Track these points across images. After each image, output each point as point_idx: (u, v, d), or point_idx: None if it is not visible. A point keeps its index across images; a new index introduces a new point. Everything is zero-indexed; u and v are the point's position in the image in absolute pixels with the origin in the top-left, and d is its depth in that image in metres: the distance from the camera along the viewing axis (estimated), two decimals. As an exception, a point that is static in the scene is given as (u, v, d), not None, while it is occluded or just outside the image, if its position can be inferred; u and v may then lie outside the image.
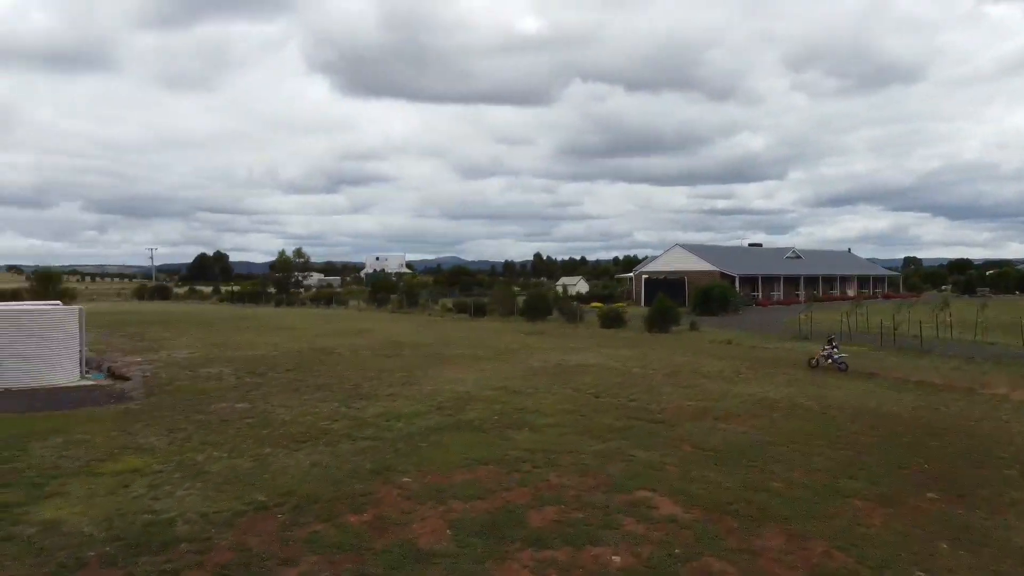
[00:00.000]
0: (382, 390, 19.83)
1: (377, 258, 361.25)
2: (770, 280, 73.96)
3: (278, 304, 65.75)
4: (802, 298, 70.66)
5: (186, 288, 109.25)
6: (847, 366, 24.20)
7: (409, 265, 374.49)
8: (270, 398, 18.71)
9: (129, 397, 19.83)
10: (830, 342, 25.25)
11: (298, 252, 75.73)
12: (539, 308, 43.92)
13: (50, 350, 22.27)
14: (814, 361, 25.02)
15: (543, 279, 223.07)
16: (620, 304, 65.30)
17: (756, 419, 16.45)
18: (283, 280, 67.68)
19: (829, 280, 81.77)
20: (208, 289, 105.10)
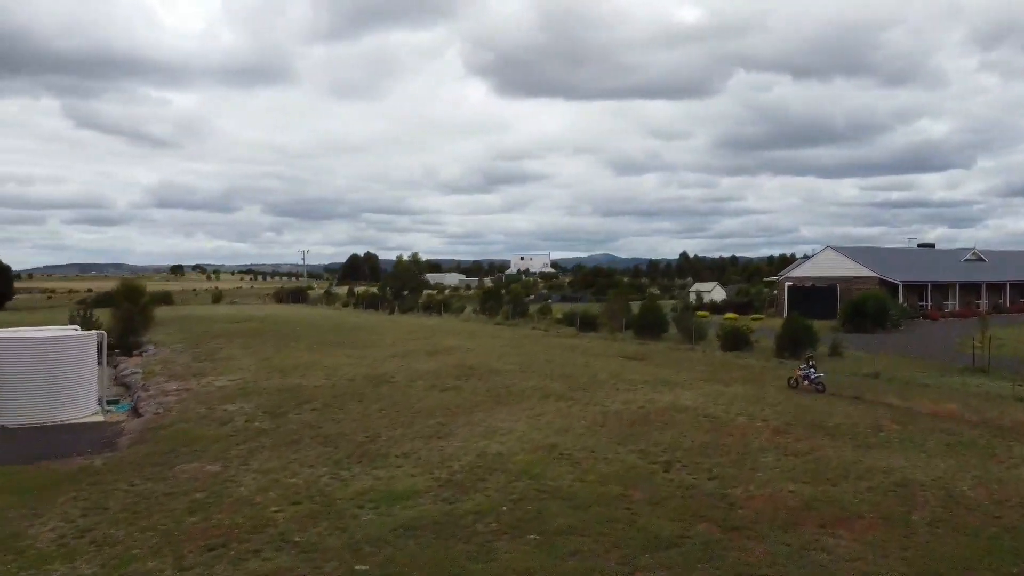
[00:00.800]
0: (398, 447, 15.97)
1: (522, 258, 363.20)
2: (942, 288, 63.88)
3: (391, 312, 63.98)
4: (984, 309, 60.31)
5: (326, 291, 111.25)
6: (824, 387, 23.01)
7: (555, 264, 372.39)
8: (255, 455, 15.36)
9: (114, 445, 17.14)
10: (807, 361, 24.63)
11: (415, 258, 73.82)
12: (651, 324, 38.60)
13: (61, 382, 20.11)
14: (793, 381, 23.86)
15: (688, 280, 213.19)
16: (756, 317, 58.25)
17: (886, 527, 11.04)
18: (400, 287, 65.80)
19: (1020, 287, 69.85)
20: (345, 291, 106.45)
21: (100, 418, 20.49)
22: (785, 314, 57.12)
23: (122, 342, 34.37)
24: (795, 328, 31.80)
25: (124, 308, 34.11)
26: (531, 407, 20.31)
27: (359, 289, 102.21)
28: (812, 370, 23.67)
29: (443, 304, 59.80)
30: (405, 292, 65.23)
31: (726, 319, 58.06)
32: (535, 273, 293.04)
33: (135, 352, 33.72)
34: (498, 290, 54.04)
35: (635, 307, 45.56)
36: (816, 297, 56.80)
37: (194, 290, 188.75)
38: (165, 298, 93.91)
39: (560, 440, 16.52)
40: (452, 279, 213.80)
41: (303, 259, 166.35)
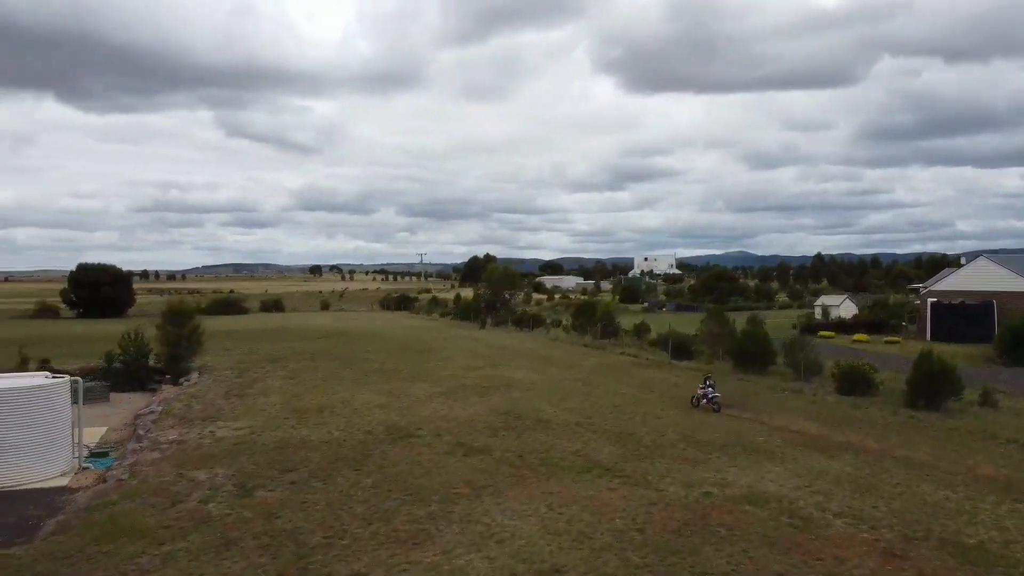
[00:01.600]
0: (350, 562, 12.11)
1: (646, 258, 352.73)
2: None
3: (482, 325, 60.42)
4: None
5: (432, 297, 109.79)
6: (720, 406, 24.00)
7: (683, 265, 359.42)
8: (169, 565, 11.86)
9: (36, 529, 14.16)
10: (705, 380, 25.44)
11: (507, 268, 69.76)
12: (753, 354, 32.79)
13: (17, 440, 17.48)
14: (695, 400, 24.93)
15: (823, 283, 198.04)
16: (891, 339, 50.50)
17: None
18: (492, 298, 62.11)
19: None
20: (454, 296, 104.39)
21: (64, 480, 17.73)
22: (928, 337, 49.13)
23: (170, 367, 32.44)
24: (932, 367, 25.34)
25: (169, 332, 32.11)
26: (561, 489, 15.84)
27: (467, 294, 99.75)
28: (711, 389, 24.71)
29: (533, 319, 55.60)
30: (497, 304, 61.53)
31: (854, 342, 50.62)
32: (659, 275, 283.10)
33: (180, 379, 31.63)
34: (591, 305, 49.19)
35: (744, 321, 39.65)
36: (967, 317, 48.44)
37: (319, 291, 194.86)
38: (276, 304, 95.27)
39: (570, 560, 12.03)
40: (569, 282, 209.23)
41: (421, 260, 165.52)
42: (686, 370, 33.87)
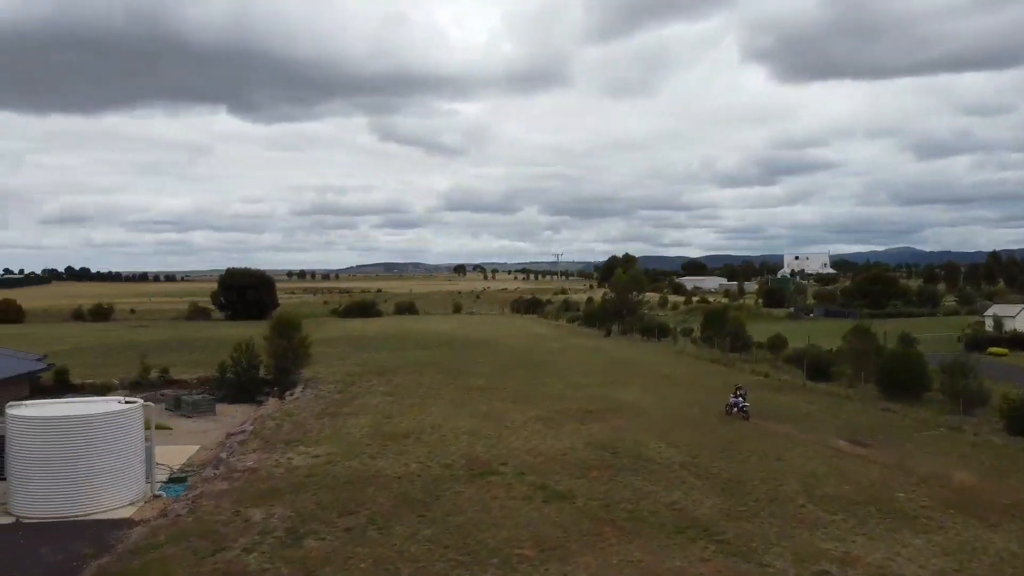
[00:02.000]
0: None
1: (797, 257, 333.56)
2: None
3: (607, 333, 57.69)
4: None
5: (564, 301, 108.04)
6: (748, 415, 24.86)
7: (836, 263, 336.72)
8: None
9: (74, 572, 13.53)
10: (737, 390, 26.00)
11: (634, 272, 66.22)
12: (903, 379, 28.46)
13: (88, 468, 17.14)
14: (728, 409, 25.60)
15: (999, 285, 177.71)
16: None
17: None
18: (617, 304, 59.10)
19: None
20: (586, 299, 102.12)
21: (131, 511, 17.23)
22: None
23: (278, 379, 32.40)
24: None
25: (276, 344, 32.05)
26: (644, 556, 13.49)
27: (598, 297, 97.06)
28: (741, 399, 25.56)
29: (659, 329, 52.31)
30: (624, 311, 58.56)
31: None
32: (811, 275, 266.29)
33: (286, 392, 31.48)
34: (719, 314, 45.45)
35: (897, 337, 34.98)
36: None
37: (458, 292, 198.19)
38: (410, 307, 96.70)
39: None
40: (711, 283, 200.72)
41: (557, 259, 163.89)
42: (822, 395, 30.03)
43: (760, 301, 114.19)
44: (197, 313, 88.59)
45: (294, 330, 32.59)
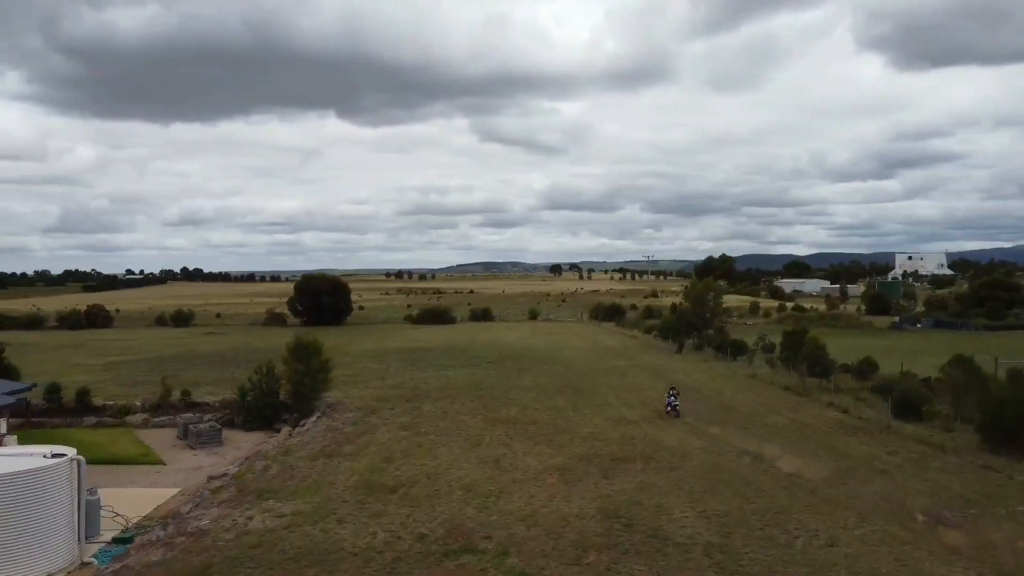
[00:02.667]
0: None
1: (910, 257, 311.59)
2: None
3: (680, 348, 53.03)
4: None
5: (646, 308, 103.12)
6: (678, 413, 28.90)
7: (956, 263, 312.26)
8: None
9: None
10: (670, 391, 30.19)
11: (707, 282, 60.74)
12: (1013, 428, 23.22)
13: (14, 530, 15.01)
14: (668, 410, 29.22)
15: None
16: None
17: None
18: (694, 317, 54.20)
19: None
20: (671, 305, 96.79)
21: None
22: None
23: (295, 406, 30.15)
24: None
25: (294, 368, 29.79)
26: None
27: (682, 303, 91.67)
28: (674, 399, 29.65)
29: (734, 347, 47.29)
30: (699, 324, 53.70)
31: None
32: (924, 276, 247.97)
33: (302, 421, 29.19)
34: (800, 334, 40.23)
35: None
36: None
37: (549, 295, 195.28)
38: (484, 313, 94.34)
39: None
40: (812, 286, 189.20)
41: (648, 259, 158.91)
42: (909, 441, 25.10)
43: (862, 308, 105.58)
44: (273, 319, 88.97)
45: (313, 353, 30.23)
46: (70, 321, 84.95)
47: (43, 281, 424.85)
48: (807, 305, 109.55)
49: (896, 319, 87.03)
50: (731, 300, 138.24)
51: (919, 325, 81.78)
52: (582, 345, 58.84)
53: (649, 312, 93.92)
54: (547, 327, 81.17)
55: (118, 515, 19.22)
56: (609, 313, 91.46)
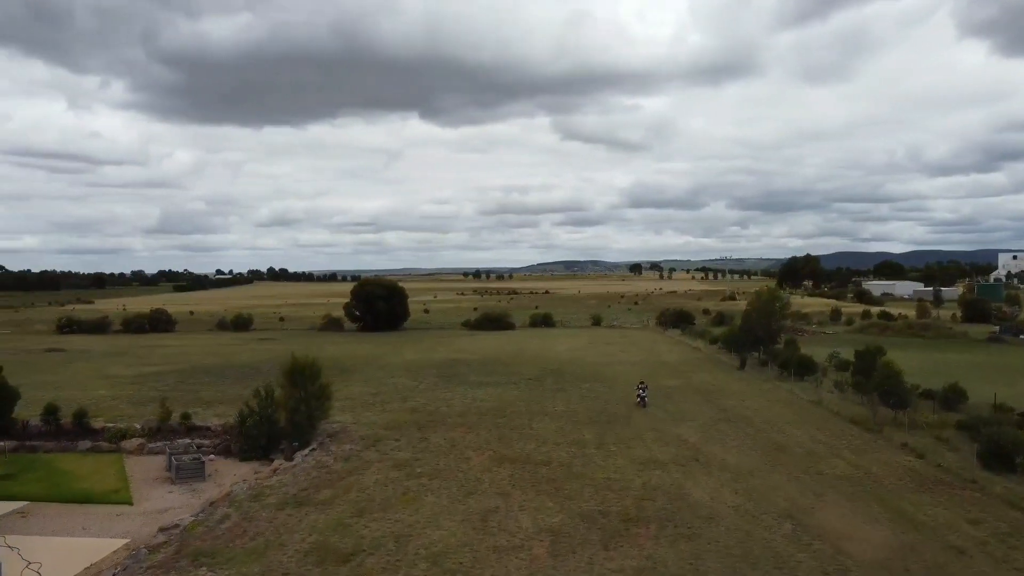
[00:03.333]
0: None
1: (1015, 256, 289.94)
2: None
3: (741, 365, 48.11)
4: None
5: (718, 313, 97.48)
6: (645, 404, 34.03)
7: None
8: None
9: None
10: (640, 384, 35.67)
11: (772, 291, 55.01)
12: None
13: None
14: (638, 401, 34.40)
15: None
16: None
17: None
18: (759, 329, 49.09)
19: None
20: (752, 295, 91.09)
21: None
22: None
23: (293, 434, 27.55)
24: None
25: (290, 393, 27.19)
26: None
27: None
28: (643, 391, 34.78)
29: (801, 365, 42.17)
30: (764, 338, 48.69)
31: None
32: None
33: (298, 451, 26.56)
34: (873, 354, 35.14)
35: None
36: None
37: (622, 297, 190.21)
38: (545, 319, 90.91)
39: None
40: (904, 288, 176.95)
41: (726, 258, 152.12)
42: (999, 505, 20.40)
43: (957, 315, 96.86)
44: (331, 324, 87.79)
45: (310, 377, 27.55)
46: (134, 325, 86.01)
47: (138, 281, 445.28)
48: (895, 311, 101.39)
49: (996, 329, 78.82)
50: (812, 304, 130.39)
51: (1023, 336, 73.61)
52: (636, 359, 54.66)
53: (720, 319, 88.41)
54: (606, 335, 76.95)
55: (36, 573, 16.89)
56: (676, 320, 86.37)
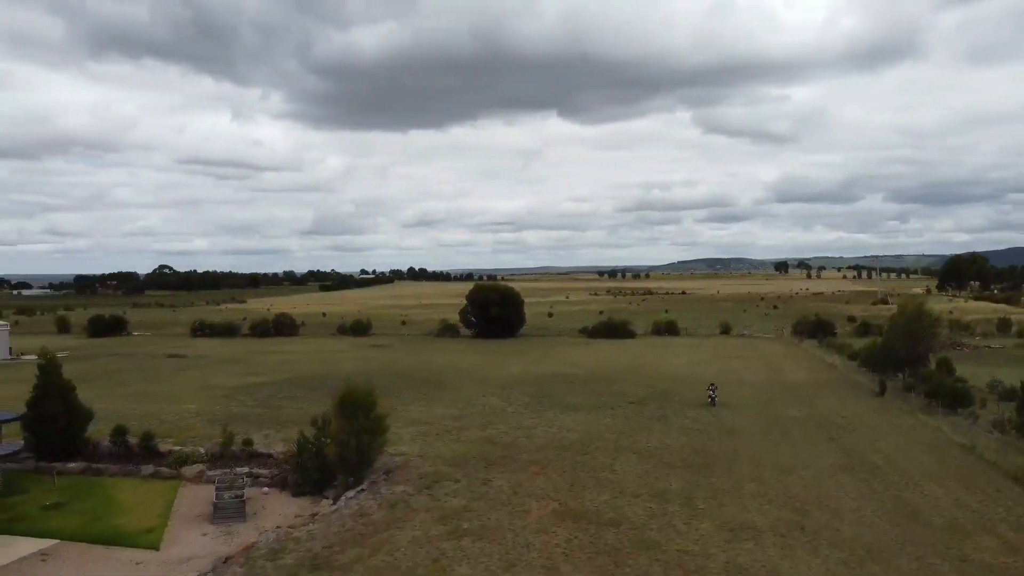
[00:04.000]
0: None
1: None
2: None
3: (880, 391, 41.46)
4: None
5: (863, 324, 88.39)
6: (715, 403, 38.08)
7: None
8: None
9: None
10: (711, 386, 39.89)
11: (920, 305, 46.86)
12: None
13: None
14: (710, 401, 38.47)
15: None
16: None
17: None
18: (903, 350, 42.03)
19: None
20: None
21: None
22: None
23: (346, 470, 25.22)
24: None
25: (342, 425, 24.84)
26: None
27: (936, 306, 76.57)
28: (714, 393, 39.01)
29: (954, 395, 35.33)
30: (910, 360, 41.76)
31: None
32: None
33: (345, 493, 24.23)
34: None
35: None
36: None
37: (763, 299, 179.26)
38: (669, 326, 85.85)
39: None
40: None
41: (876, 258, 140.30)
42: None
43: None
44: (446, 330, 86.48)
45: (362, 409, 25.11)
46: (260, 329, 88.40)
47: (289, 280, 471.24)
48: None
49: None
50: (976, 310, 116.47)
51: None
52: (758, 378, 49.16)
53: (865, 328, 79.69)
54: (732, 347, 70.73)
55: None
56: (814, 329, 78.63)
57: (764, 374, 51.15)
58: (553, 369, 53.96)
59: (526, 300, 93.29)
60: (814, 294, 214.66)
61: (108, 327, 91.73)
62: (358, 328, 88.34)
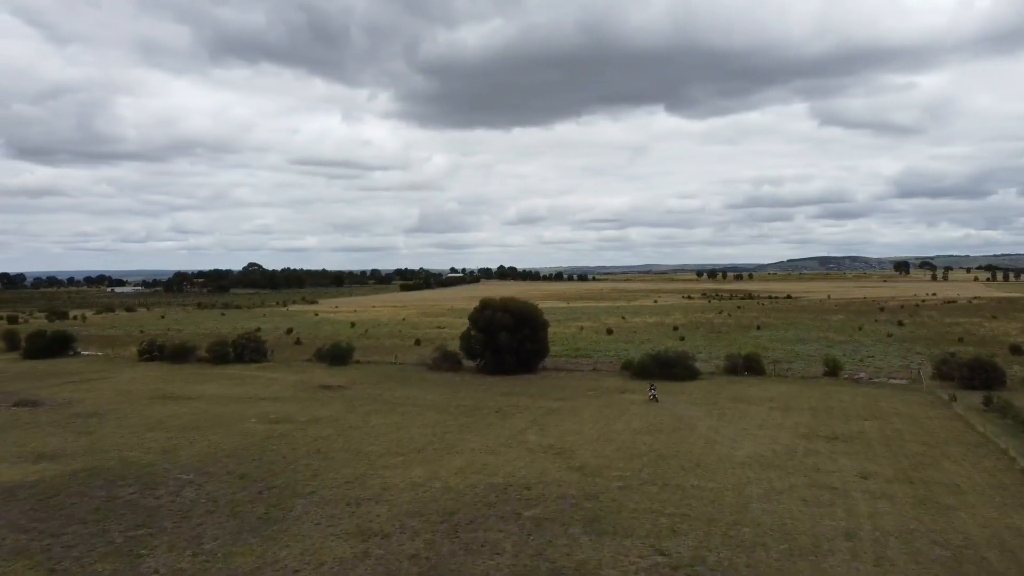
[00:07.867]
0: None
1: None
2: None
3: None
4: None
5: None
6: (656, 400, 45.11)
7: None
8: None
9: None
10: (651, 386, 48.18)
11: None
12: None
13: None
14: (650, 397, 45.86)
15: None
16: None
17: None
18: None
19: None
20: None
21: None
22: None
23: None
24: None
25: None
26: None
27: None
28: (654, 391, 46.87)
29: None
30: None
31: None
32: None
33: None
34: None
35: None
36: None
37: (883, 308, 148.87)
38: (750, 363, 61.90)
39: None
40: None
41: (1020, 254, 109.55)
42: None
43: None
44: (444, 360, 63.73)
45: None
46: (218, 353, 69.65)
47: (374, 279, 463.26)
48: None
49: None
50: None
51: None
52: (889, 512, 25.22)
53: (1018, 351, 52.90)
54: (842, 410, 45.20)
55: None
56: (970, 373, 52.40)
57: (904, 505, 26.80)
58: (512, 471, 31.05)
59: (606, 303, 71.69)
60: (946, 302, 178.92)
61: (48, 346, 75.36)
62: (337, 355, 67.36)
